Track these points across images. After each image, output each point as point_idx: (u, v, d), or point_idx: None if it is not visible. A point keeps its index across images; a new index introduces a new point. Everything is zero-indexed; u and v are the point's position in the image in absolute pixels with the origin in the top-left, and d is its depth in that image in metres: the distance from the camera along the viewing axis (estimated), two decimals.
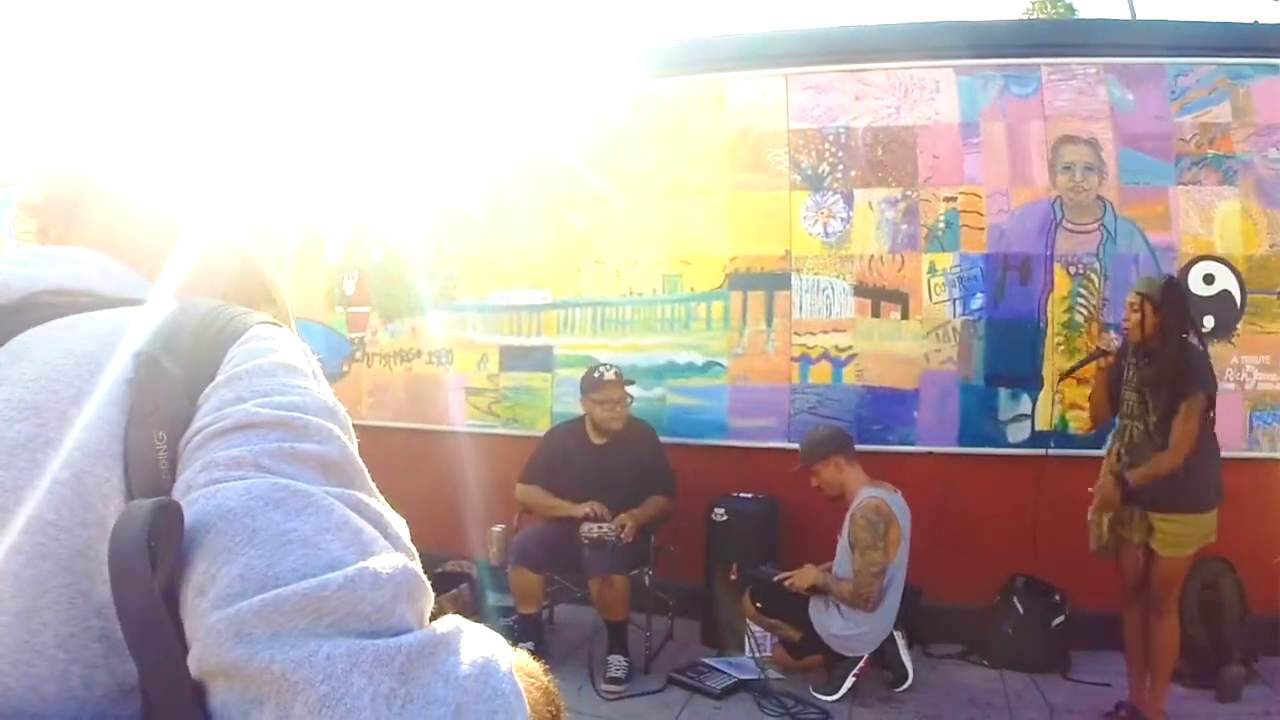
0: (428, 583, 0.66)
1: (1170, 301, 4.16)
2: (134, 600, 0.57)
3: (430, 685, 0.56)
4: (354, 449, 0.74)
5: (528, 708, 0.61)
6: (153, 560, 0.58)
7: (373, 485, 0.73)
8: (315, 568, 0.58)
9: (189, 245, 0.93)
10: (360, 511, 0.66)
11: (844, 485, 4.94)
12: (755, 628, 5.20)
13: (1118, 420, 4.39)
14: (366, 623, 0.58)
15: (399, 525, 0.71)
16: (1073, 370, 5.09)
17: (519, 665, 0.73)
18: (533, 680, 0.80)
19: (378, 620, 0.58)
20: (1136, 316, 4.19)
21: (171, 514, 0.60)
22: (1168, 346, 4.11)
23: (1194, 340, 4.20)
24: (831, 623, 4.80)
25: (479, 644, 0.62)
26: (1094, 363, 4.72)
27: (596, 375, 5.35)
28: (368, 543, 0.63)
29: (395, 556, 0.63)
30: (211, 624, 0.56)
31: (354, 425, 0.78)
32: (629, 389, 5.42)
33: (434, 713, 0.55)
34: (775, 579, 4.93)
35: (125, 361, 0.72)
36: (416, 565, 0.66)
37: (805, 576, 4.85)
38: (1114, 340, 4.39)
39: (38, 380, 0.71)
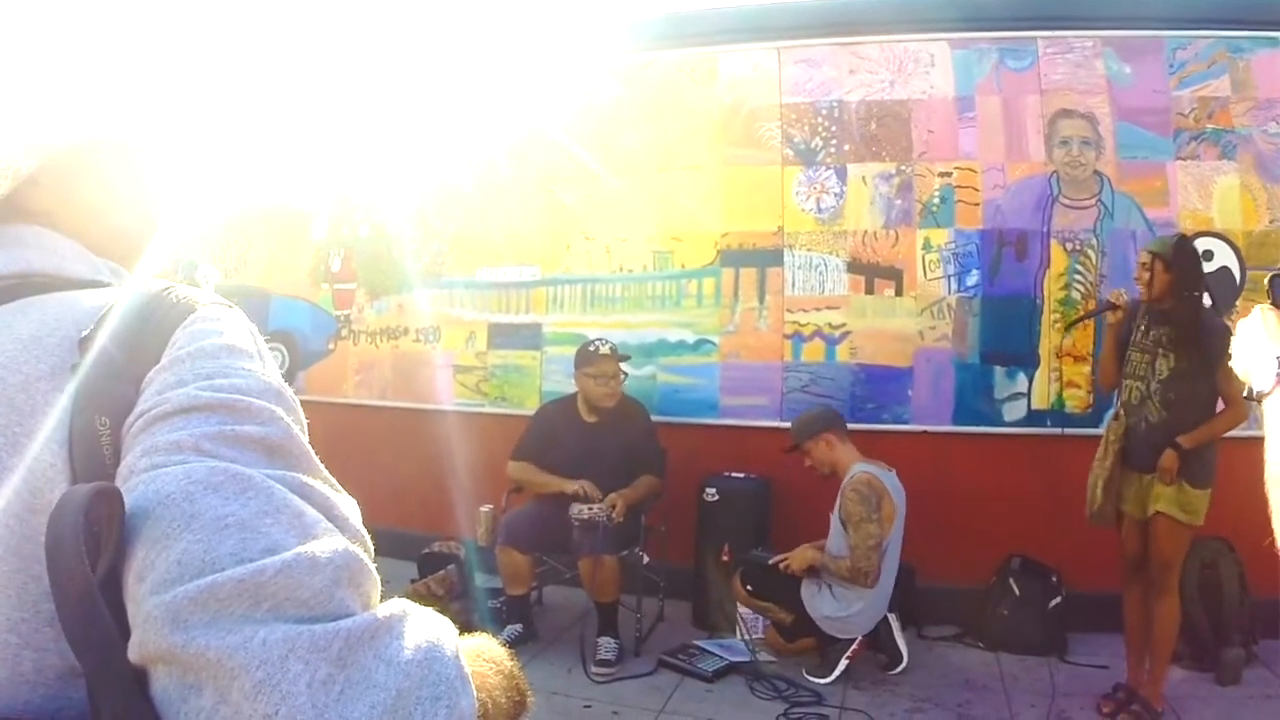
0: (372, 566, 0.65)
1: (1181, 261, 4.10)
2: (69, 584, 0.57)
3: (370, 670, 0.56)
4: (300, 430, 0.74)
5: (474, 692, 0.61)
6: (96, 546, 0.58)
7: (320, 466, 0.73)
8: (253, 552, 0.58)
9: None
10: (304, 494, 0.66)
11: (835, 463, 4.88)
12: (746, 611, 5.14)
13: (1121, 381, 4.34)
14: (305, 608, 0.58)
15: (347, 507, 0.71)
16: (1077, 322, 5.07)
17: (480, 650, 0.78)
18: (493, 665, 0.80)
19: (316, 605, 0.58)
20: (1148, 275, 4.13)
21: (111, 499, 0.60)
22: (1181, 306, 4.06)
23: (1206, 300, 4.16)
24: (823, 605, 4.74)
25: (423, 628, 0.62)
26: (1102, 316, 4.64)
27: (591, 349, 5.27)
28: (309, 525, 0.63)
29: (336, 540, 0.63)
30: (149, 610, 0.57)
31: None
32: (623, 366, 5.34)
33: (373, 698, 0.55)
34: (770, 562, 4.86)
35: (70, 346, 0.73)
36: (361, 548, 0.65)
37: (802, 559, 4.78)
38: (1124, 294, 4.31)
39: None
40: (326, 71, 6.87)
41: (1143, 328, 4.23)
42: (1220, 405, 4.07)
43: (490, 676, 0.76)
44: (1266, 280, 1.78)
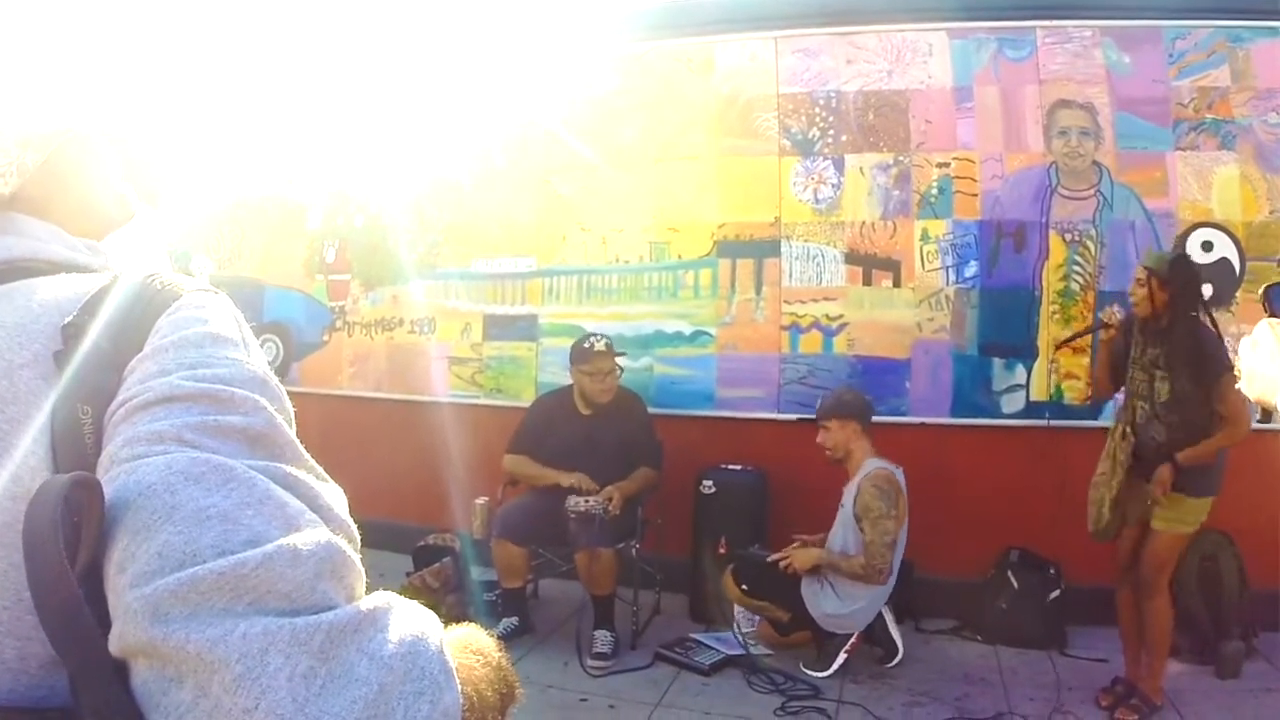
0: (356, 558, 0.64)
1: (1178, 278, 4.00)
2: (47, 576, 0.56)
3: (353, 664, 0.56)
4: (284, 420, 0.73)
5: (459, 686, 0.60)
6: (76, 537, 0.58)
7: (305, 456, 0.72)
8: (234, 544, 0.58)
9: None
10: (288, 485, 0.66)
11: (850, 452, 4.85)
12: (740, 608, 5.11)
13: (1123, 398, 4.29)
14: (287, 601, 0.57)
15: (332, 497, 0.70)
16: (1069, 341, 4.99)
17: (467, 642, 0.77)
18: (480, 657, 0.78)
19: (298, 598, 0.57)
20: (1143, 291, 4.05)
21: (91, 489, 0.60)
22: (1178, 326, 3.99)
23: (1205, 319, 4.05)
24: (825, 603, 4.71)
25: (408, 621, 0.61)
26: (1096, 334, 4.60)
27: (586, 346, 5.23)
28: (292, 517, 0.62)
29: (319, 531, 0.62)
30: (129, 603, 0.56)
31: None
32: (619, 360, 5.31)
33: (355, 692, 0.55)
34: (769, 560, 4.82)
35: (53, 333, 0.73)
36: (345, 539, 0.65)
37: (806, 558, 4.74)
38: (1115, 313, 4.29)
39: None
40: (322, 61, 6.83)
41: (1140, 345, 4.17)
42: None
43: (477, 669, 0.75)
44: (1260, 293, 1.75)
